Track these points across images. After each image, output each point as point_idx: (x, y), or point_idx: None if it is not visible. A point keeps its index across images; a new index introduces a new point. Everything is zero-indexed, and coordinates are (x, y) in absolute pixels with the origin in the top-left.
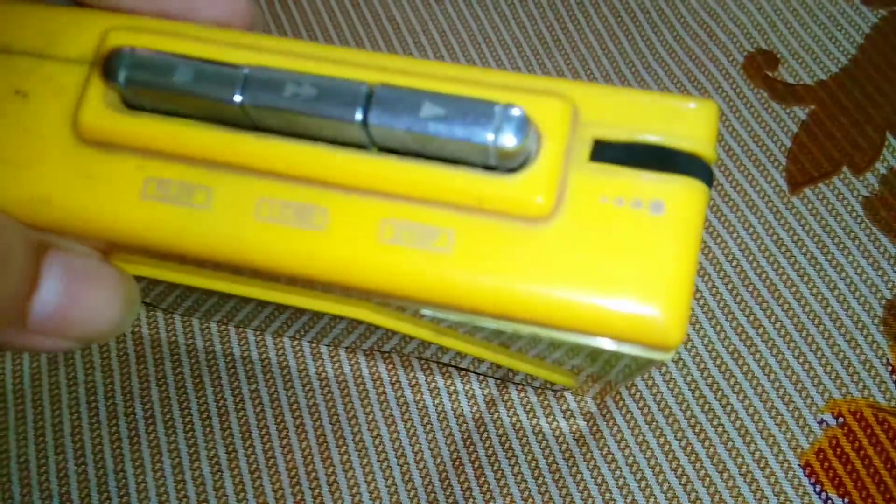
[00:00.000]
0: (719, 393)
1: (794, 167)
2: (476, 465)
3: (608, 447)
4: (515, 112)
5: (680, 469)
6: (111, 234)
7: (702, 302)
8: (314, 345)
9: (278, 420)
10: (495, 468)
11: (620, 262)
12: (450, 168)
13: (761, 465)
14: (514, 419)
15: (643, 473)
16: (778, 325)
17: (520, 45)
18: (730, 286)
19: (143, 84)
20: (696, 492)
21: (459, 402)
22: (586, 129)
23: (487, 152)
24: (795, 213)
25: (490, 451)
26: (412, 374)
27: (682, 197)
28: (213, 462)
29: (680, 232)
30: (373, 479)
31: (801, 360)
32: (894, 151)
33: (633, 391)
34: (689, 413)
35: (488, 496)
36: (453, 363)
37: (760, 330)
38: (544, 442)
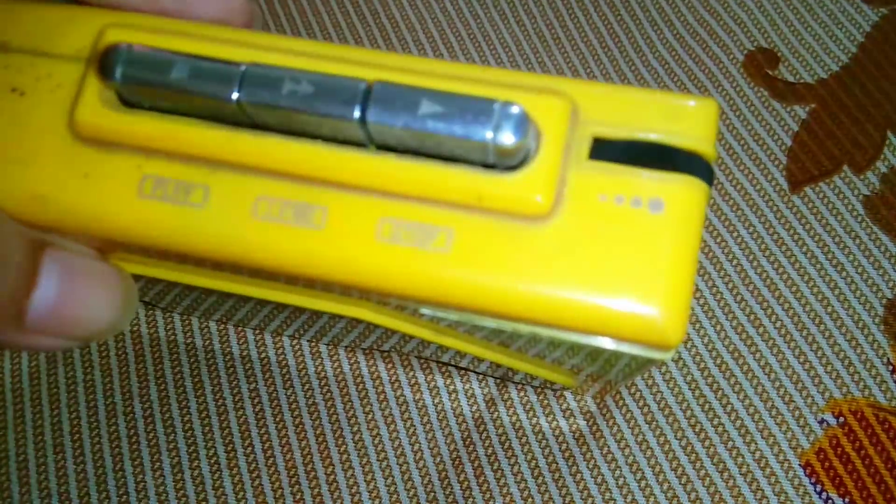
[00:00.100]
0: (719, 392)
1: (795, 166)
2: (475, 465)
3: (608, 447)
4: (514, 110)
5: (680, 469)
6: (108, 232)
7: (702, 301)
8: (313, 344)
9: (277, 419)
10: (495, 467)
11: (620, 260)
12: (448, 166)
13: (762, 465)
14: (514, 418)
15: (643, 473)
16: (778, 324)
17: (519, 43)
18: (730, 285)
19: (140, 81)
20: (697, 491)
21: (459, 402)
22: (586, 128)
23: (486, 150)
24: (796, 211)
25: (490, 451)
26: (411, 373)
27: (682, 195)
28: (212, 461)
29: (680, 231)
30: (372, 479)
31: (801, 360)
32: (895, 150)
33: (633, 390)
34: (689, 412)
35: (488, 496)
36: (453, 362)
37: (761, 329)
38: (544, 441)
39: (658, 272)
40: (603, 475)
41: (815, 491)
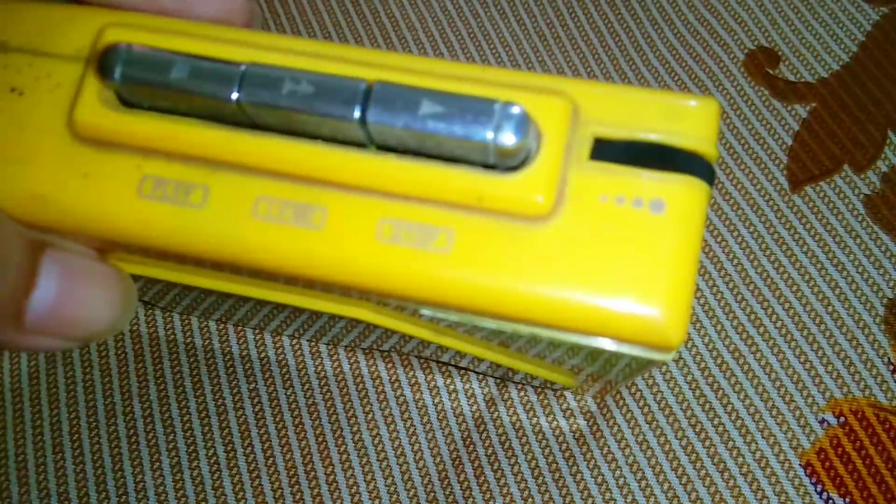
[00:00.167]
0: (720, 392)
1: (796, 165)
2: (476, 465)
3: (608, 446)
4: (515, 110)
5: (680, 468)
6: (108, 232)
7: (703, 301)
8: (313, 343)
9: (277, 419)
10: (495, 467)
11: (621, 261)
12: (449, 167)
13: (762, 465)
14: (514, 418)
15: (643, 473)
16: (779, 324)
17: (519, 42)
18: (730, 285)
19: (139, 81)
20: (697, 491)
21: (459, 401)
22: (587, 128)
23: (487, 150)
24: (797, 211)
25: (490, 451)
26: (411, 372)
27: (683, 196)
28: (212, 461)
29: (681, 231)
30: (372, 479)
31: (802, 360)
32: None
33: (633, 390)
34: (689, 412)
35: (488, 495)
36: (453, 362)
37: (761, 329)
38: (544, 441)
39: (659, 273)
40: (603, 475)
41: (815, 491)
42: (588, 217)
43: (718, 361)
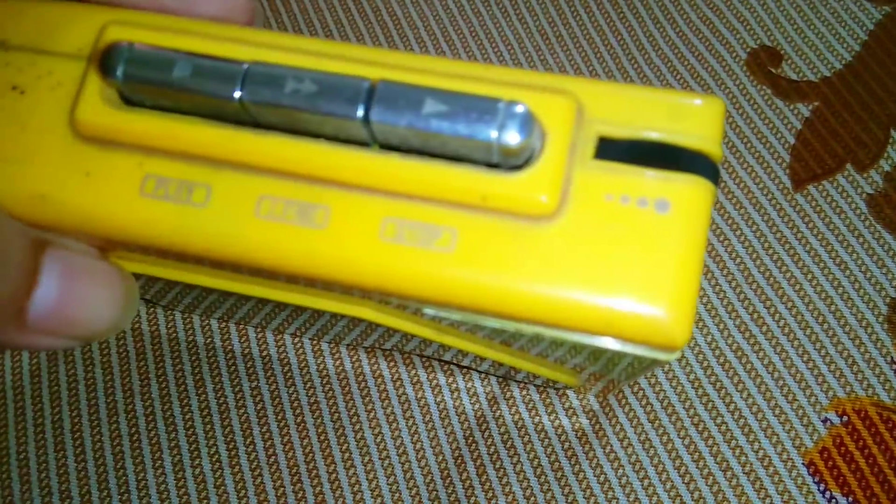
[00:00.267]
0: (723, 391)
1: (798, 164)
2: (478, 463)
3: (611, 445)
4: (519, 109)
5: (683, 467)
6: (110, 231)
7: (705, 300)
8: (315, 341)
9: (279, 417)
10: (497, 466)
11: (625, 261)
12: (452, 166)
13: (765, 464)
14: (517, 416)
15: (646, 471)
16: (782, 323)
17: (521, 40)
18: (733, 284)
19: (142, 80)
20: (700, 490)
21: (461, 400)
22: (591, 127)
23: (491, 150)
24: (799, 210)
25: (492, 449)
26: (414, 371)
27: (688, 195)
28: (214, 459)
29: (686, 231)
30: (374, 477)
31: (805, 359)
32: None
33: (635, 389)
34: (692, 411)
35: (490, 494)
36: (455, 361)
37: (764, 328)
38: (547, 440)
39: (664, 273)
40: (606, 474)
41: (818, 490)
42: (592, 216)
43: (721, 360)
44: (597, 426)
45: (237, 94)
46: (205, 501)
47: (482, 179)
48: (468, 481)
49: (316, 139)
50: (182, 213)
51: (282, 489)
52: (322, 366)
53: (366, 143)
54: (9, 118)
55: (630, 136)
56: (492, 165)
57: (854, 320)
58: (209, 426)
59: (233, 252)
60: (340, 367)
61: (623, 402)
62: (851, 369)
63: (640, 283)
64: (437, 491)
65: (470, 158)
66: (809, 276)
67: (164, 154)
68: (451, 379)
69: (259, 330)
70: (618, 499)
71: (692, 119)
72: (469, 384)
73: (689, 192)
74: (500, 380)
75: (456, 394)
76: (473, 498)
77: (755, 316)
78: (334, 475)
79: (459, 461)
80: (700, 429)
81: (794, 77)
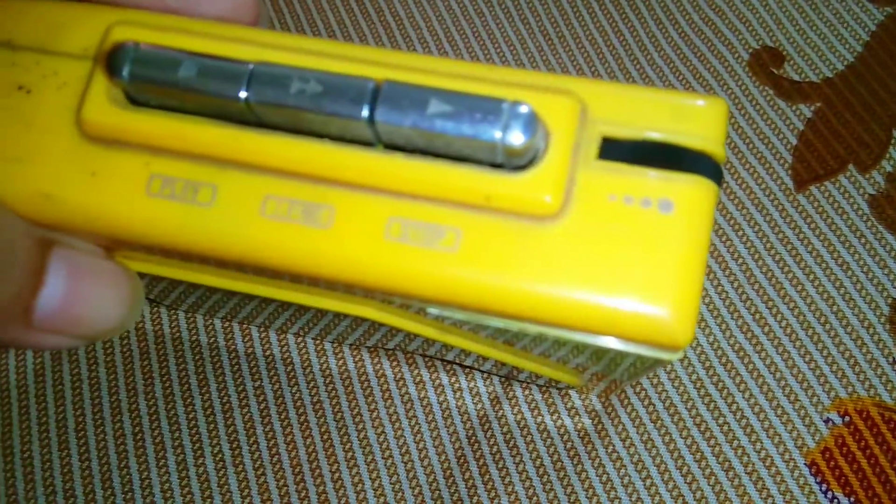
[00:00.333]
0: (725, 392)
1: (800, 165)
2: (481, 463)
3: (613, 445)
4: (523, 109)
5: (685, 467)
6: (116, 231)
7: (707, 301)
8: (318, 341)
9: (282, 417)
10: (500, 466)
11: (629, 261)
12: (457, 166)
13: (767, 464)
14: (519, 417)
15: (648, 472)
16: (784, 323)
17: (524, 41)
18: (735, 285)
19: (148, 80)
20: (702, 490)
21: (464, 400)
22: (595, 127)
23: (495, 150)
24: (801, 211)
25: (495, 449)
26: (416, 370)
27: (691, 196)
28: (218, 459)
29: (689, 231)
30: (377, 477)
31: (806, 359)
32: None
33: (638, 389)
34: (694, 412)
35: (493, 494)
36: (457, 360)
37: (766, 329)
38: (549, 440)
39: (667, 273)
40: (608, 474)
41: (820, 490)
42: (596, 216)
43: (723, 361)
44: (599, 426)
45: (243, 95)
46: (208, 500)
47: (486, 179)
48: (471, 481)
49: (320, 139)
50: (188, 213)
51: (285, 488)
52: (325, 365)
53: (370, 143)
54: (15, 117)
55: (633, 136)
56: (496, 165)
57: (856, 320)
58: (212, 425)
59: (238, 251)
60: (343, 367)
61: (625, 401)
62: (853, 369)
63: (644, 283)
64: (440, 490)
65: (474, 158)
66: (811, 277)
67: (170, 154)
68: (453, 378)
69: (262, 329)
70: (620, 498)
71: (695, 120)
72: (472, 384)
73: (693, 192)
74: (503, 379)
75: (459, 393)
76: (476, 497)
77: (757, 316)
78: (337, 474)
79: (462, 461)
80: (702, 429)
81: (796, 78)
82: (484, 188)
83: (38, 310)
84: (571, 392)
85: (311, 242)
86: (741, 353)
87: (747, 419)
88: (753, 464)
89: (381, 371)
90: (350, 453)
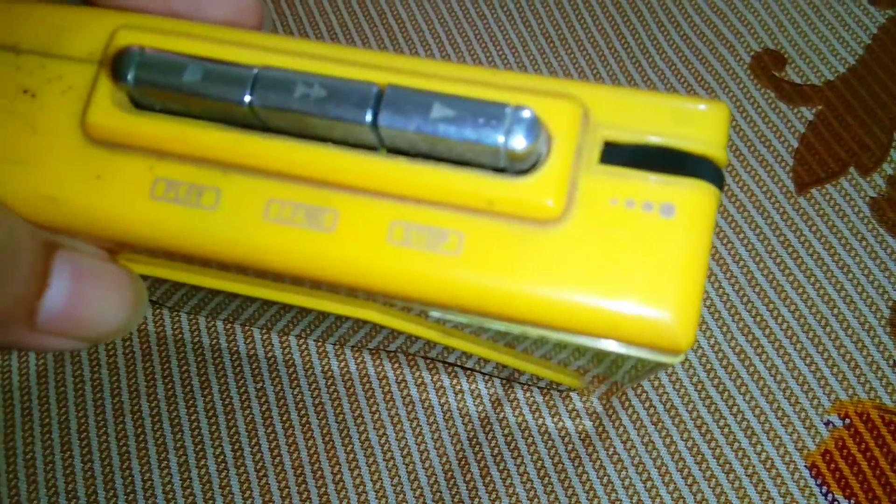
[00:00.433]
0: (725, 394)
1: (801, 168)
2: (482, 465)
3: (614, 447)
4: (526, 114)
5: (686, 469)
6: (120, 234)
7: (708, 303)
8: (320, 343)
9: (284, 418)
10: (501, 467)
11: (631, 265)
12: (459, 170)
13: (767, 466)
14: (520, 418)
15: (649, 474)
16: (784, 326)
17: (526, 44)
18: (736, 287)
19: (152, 84)
20: (702, 492)
21: (465, 401)
22: (597, 131)
23: (498, 154)
24: (802, 213)
25: (496, 451)
26: (418, 372)
27: (692, 200)
28: (219, 460)
29: (690, 235)
30: (378, 478)
31: (807, 362)
32: None
33: (638, 391)
34: (695, 414)
35: (494, 495)
36: (459, 363)
37: (767, 331)
38: (550, 442)
39: (669, 277)
40: (609, 476)
41: (820, 492)
42: (598, 220)
43: (724, 363)
44: (600, 428)
45: (247, 99)
46: (210, 501)
47: (489, 183)
48: (472, 482)
49: (324, 143)
50: (192, 216)
51: (286, 490)
52: (327, 367)
53: (374, 147)
54: (20, 121)
55: (635, 140)
56: (498, 170)
57: (856, 323)
58: (214, 427)
59: (241, 255)
60: (345, 369)
61: (626, 404)
62: (854, 372)
63: (645, 286)
64: (441, 492)
65: (477, 163)
66: (812, 279)
67: (174, 157)
68: (455, 381)
69: (264, 332)
70: (621, 500)
71: (697, 124)
72: (473, 386)
73: (694, 196)
74: (504, 382)
75: (460, 395)
76: (477, 499)
77: (758, 318)
78: (339, 476)
79: (463, 462)
80: (703, 431)
81: (797, 81)
82: (486, 192)
83: (41, 312)
84: (573, 394)
85: (314, 246)
86: (742, 356)
87: (748, 421)
88: (754, 465)
89: (383, 373)
90: (352, 454)
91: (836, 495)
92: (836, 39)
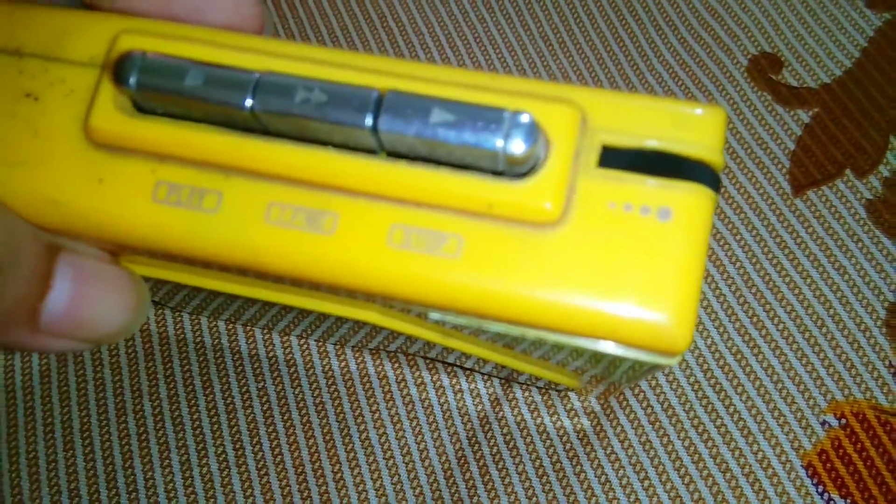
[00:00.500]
0: (722, 394)
1: (798, 170)
2: (481, 464)
3: (612, 446)
4: (524, 118)
5: (683, 469)
6: (122, 237)
7: (706, 304)
8: (320, 343)
9: (285, 418)
10: (500, 466)
11: (628, 268)
12: (459, 174)
13: (764, 466)
14: (519, 418)
15: (646, 472)
16: (781, 326)
17: (524, 47)
18: (733, 288)
19: (154, 88)
20: (699, 491)
21: (465, 401)
22: (595, 135)
23: (496, 158)
24: (798, 215)
25: (495, 450)
26: (417, 372)
27: (689, 204)
28: (221, 459)
29: (687, 239)
30: (379, 477)
31: (803, 362)
32: None
33: (636, 391)
34: (692, 413)
35: (493, 494)
36: (458, 363)
37: (763, 331)
38: (548, 441)
39: (666, 279)
40: (606, 475)
41: (816, 492)
42: (596, 224)
43: (721, 363)
44: (598, 427)
45: (248, 103)
46: (212, 500)
47: (488, 187)
48: (471, 481)
49: (324, 147)
50: (193, 219)
51: (287, 489)
52: (328, 367)
53: (373, 151)
54: (22, 124)
55: (633, 144)
56: (497, 173)
57: (853, 324)
58: (216, 426)
59: (242, 257)
60: (346, 369)
61: (624, 403)
62: (850, 373)
63: (643, 289)
64: (441, 491)
65: (476, 166)
66: (809, 281)
67: (176, 161)
68: (454, 380)
69: (266, 332)
70: (618, 499)
71: (694, 128)
72: (472, 385)
73: (691, 200)
74: (503, 381)
75: (459, 395)
76: (476, 498)
77: (755, 320)
78: (339, 475)
79: (462, 461)
80: (700, 430)
81: (794, 83)
82: (485, 196)
83: (44, 314)
84: (571, 394)
85: (314, 249)
86: (738, 356)
87: (744, 421)
88: (750, 465)
89: (383, 372)
90: (352, 453)
91: (832, 495)
92: (832, 42)
